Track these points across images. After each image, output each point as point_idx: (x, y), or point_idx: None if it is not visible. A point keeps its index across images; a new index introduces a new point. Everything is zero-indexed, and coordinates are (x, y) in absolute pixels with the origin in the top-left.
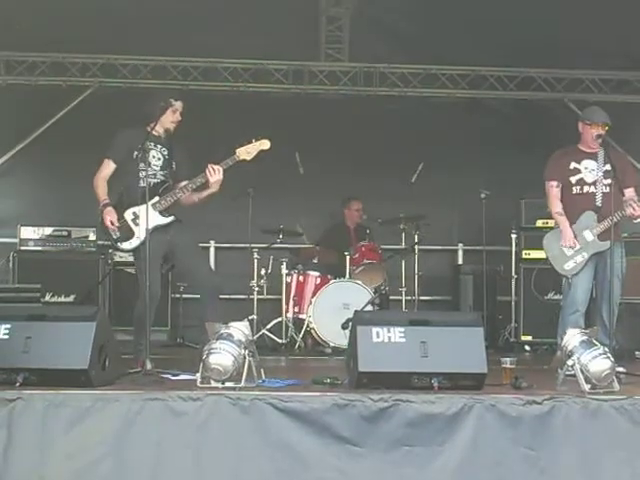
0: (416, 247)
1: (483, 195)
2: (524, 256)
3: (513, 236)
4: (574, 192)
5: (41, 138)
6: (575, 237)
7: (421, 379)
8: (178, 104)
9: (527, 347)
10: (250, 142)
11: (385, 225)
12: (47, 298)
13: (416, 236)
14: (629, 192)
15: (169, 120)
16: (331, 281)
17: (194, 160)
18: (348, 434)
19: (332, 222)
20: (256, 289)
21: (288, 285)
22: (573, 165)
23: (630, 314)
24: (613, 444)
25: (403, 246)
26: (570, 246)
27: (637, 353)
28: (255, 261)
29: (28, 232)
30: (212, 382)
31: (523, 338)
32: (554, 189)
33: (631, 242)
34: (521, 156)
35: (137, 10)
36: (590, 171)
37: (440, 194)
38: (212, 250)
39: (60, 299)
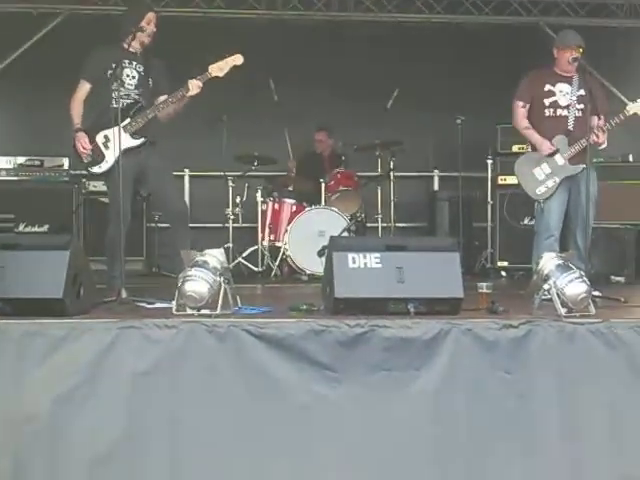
0: (392, 174)
1: (459, 121)
2: (500, 182)
3: (489, 162)
4: (547, 114)
5: (11, 67)
6: (547, 159)
7: (397, 304)
8: (151, 15)
9: (503, 273)
10: (222, 58)
11: (360, 152)
12: (21, 228)
13: (392, 162)
14: (596, 119)
15: (145, 33)
16: (307, 208)
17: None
18: (325, 360)
19: (306, 150)
20: (231, 217)
21: (264, 213)
22: (547, 87)
23: (606, 239)
24: (589, 367)
25: (379, 173)
26: (550, 151)
27: (612, 277)
28: (230, 189)
29: (0, 162)
30: (188, 310)
31: (499, 264)
32: (520, 109)
33: (608, 167)
34: (497, 81)
35: None
36: (564, 94)
37: (416, 120)
38: (186, 179)
39: (34, 229)
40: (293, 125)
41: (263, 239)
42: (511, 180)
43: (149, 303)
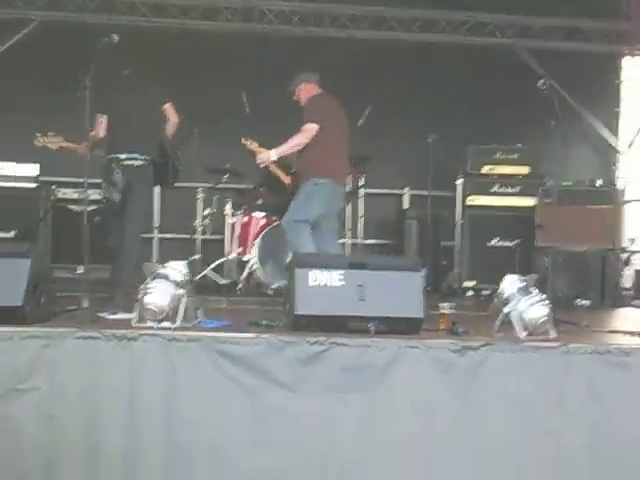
0: (361, 190)
1: (430, 140)
2: (469, 202)
3: (459, 182)
4: None
5: None
6: None
7: (358, 323)
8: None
9: (470, 292)
10: None
11: None
12: None
13: (362, 179)
14: None
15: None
16: (275, 222)
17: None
18: (283, 377)
19: None
20: (200, 229)
21: (232, 226)
22: None
23: (571, 262)
24: (548, 391)
25: (349, 189)
26: None
27: (577, 301)
28: (200, 201)
29: None
30: (148, 322)
31: (466, 284)
32: None
33: (575, 191)
34: (469, 102)
35: None
36: None
37: (387, 138)
38: (156, 189)
39: (0, 235)
40: (265, 138)
41: (231, 252)
42: (479, 201)
43: (111, 313)
